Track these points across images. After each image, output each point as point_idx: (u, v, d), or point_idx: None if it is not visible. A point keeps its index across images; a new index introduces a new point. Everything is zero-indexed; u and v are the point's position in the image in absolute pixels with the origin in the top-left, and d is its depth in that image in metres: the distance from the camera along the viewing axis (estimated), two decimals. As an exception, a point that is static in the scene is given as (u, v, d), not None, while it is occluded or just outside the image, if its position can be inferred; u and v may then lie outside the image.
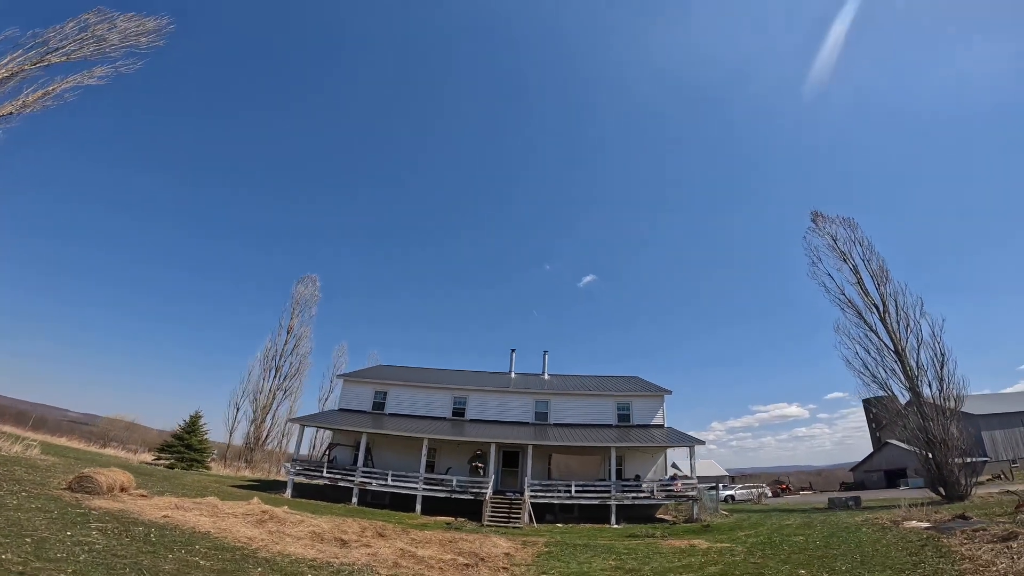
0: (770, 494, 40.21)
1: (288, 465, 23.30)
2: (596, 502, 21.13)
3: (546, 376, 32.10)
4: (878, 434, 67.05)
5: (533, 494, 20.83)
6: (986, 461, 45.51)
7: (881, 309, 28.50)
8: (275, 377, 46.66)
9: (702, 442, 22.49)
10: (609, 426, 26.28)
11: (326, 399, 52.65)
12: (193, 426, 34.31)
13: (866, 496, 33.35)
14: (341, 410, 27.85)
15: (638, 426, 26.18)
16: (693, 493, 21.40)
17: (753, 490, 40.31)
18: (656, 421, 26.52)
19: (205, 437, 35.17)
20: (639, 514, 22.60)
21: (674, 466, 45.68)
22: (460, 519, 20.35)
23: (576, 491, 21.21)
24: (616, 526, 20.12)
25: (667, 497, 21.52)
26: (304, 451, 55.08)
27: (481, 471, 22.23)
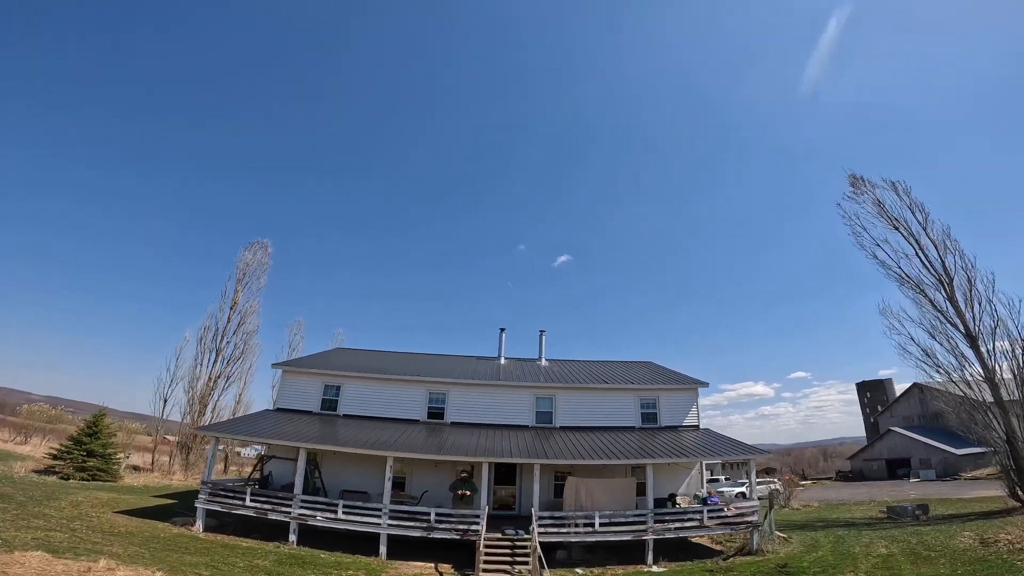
0: (782, 490, 36.19)
1: (202, 490, 17.02)
2: (628, 537, 15.74)
3: (543, 362, 26.49)
4: (872, 420, 64.74)
5: (543, 530, 15.29)
6: (993, 451, 43.03)
7: (948, 285, 23.87)
8: (216, 361, 39.59)
9: (766, 452, 17.35)
10: (631, 429, 20.96)
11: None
12: (95, 427, 27.84)
13: (889, 492, 29.51)
14: (278, 410, 21.58)
15: (667, 428, 20.99)
16: (753, 518, 16.32)
17: (767, 486, 36.33)
18: (689, 422, 21.36)
19: (112, 440, 28.82)
20: (673, 542, 17.46)
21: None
22: (443, 568, 14.70)
23: (601, 524, 15.77)
24: (656, 569, 14.87)
25: (721, 524, 16.34)
26: (250, 454, 48.18)
27: (468, 499, 16.51)
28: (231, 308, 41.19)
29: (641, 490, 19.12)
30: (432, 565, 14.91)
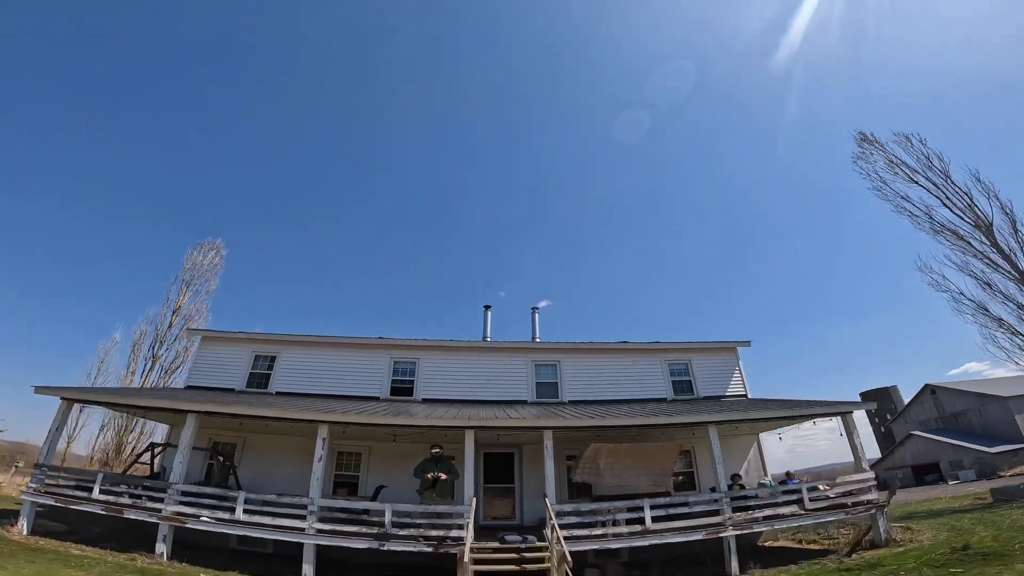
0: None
1: (34, 476, 10.21)
2: (699, 536, 9.59)
3: (538, 341, 20.43)
4: (883, 428, 58.72)
5: (565, 532, 9.04)
6: (1022, 448, 38.20)
7: (987, 231, 20.11)
8: (150, 369, 32.02)
9: (870, 404, 11.65)
10: (661, 401, 15.03)
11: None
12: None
13: (943, 494, 23.77)
14: (189, 388, 14.91)
15: (707, 399, 15.16)
16: (874, 496, 10.44)
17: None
18: (734, 390, 15.61)
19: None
20: (747, 541, 11.35)
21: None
22: None
23: (654, 517, 9.60)
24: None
25: (829, 509, 10.39)
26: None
27: (445, 489, 10.18)
28: (174, 312, 34.15)
29: (689, 481, 13.22)
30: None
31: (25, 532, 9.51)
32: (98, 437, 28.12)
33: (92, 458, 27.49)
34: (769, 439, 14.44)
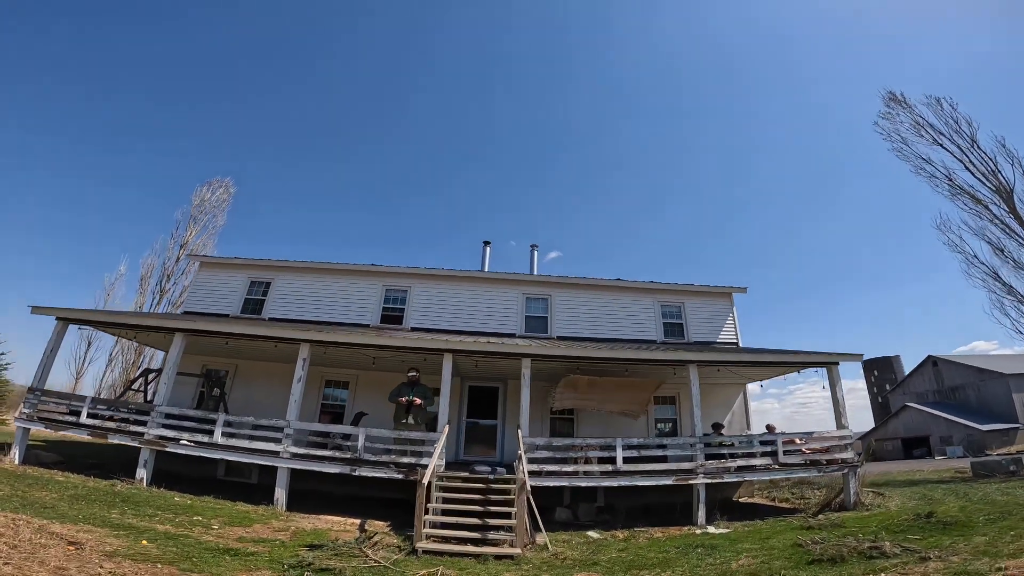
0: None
1: (27, 401, 10.17)
2: (669, 480, 9.30)
3: (532, 274, 19.71)
4: (880, 399, 56.99)
5: (536, 467, 8.81)
6: (1018, 428, 35.17)
7: (1007, 198, 19.06)
8: (158, 303, 32.15)
9: (856, 356, 10.91)
10: (651, 343, 14.41)
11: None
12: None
13: (929, 469, 23.31)
14: (186, 314, 14.73)
15: (698, 344, 14.49)
16: (848, 455, 9.99)
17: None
18: (726, 337, 14.89)
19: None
20: (717, 495, 11.13)
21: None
22: (374, 525, 8.28)
23: (626, 457, 9.28)
24: (714, 530, 8.51)
25: (803, 465, 10.04)
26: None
27: (421, 415, 9.88)
28: (181, 246, 33.53)
29: (673, 431, 12.92)
30: (357, 521, 8.42)
31: (17, 461, 9.34)
32: (106, 373, 28.73)
33: (100, 394, 27.84)
34: (761, 406, 13.96)
